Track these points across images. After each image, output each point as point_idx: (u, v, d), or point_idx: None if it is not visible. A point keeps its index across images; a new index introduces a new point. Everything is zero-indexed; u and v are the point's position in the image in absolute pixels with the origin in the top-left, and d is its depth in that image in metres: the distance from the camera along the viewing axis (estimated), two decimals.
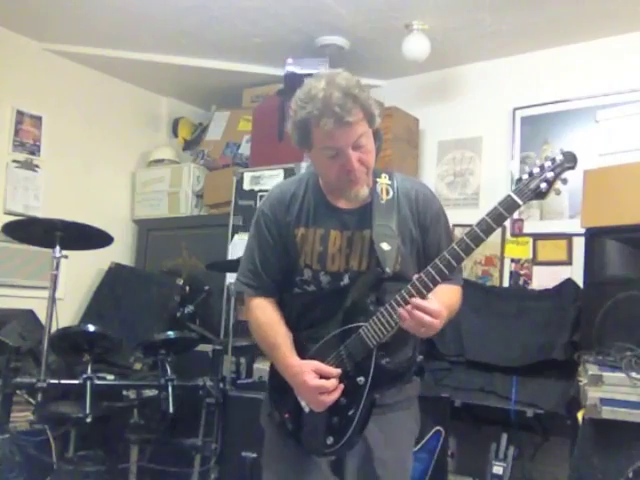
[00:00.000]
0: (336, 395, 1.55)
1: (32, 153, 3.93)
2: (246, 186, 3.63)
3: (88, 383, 2.54)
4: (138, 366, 3.36)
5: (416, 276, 1.48)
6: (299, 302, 1.70)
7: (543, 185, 1.41)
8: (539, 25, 3.40)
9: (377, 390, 1.57)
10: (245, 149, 4.16)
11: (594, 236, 2.70)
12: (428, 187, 1.76)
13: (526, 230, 3.62)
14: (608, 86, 3.41)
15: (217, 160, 4.33)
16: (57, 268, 2.62)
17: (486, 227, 1.42)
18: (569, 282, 3.21)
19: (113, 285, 4.10)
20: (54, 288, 2.63)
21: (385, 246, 1.59)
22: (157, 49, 4.00)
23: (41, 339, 2.63)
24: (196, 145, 4.61)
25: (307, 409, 1.61)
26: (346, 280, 1.63)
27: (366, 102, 1.52)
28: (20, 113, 3.87)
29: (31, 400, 2.61)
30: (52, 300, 2.61)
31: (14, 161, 3.84)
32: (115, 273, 4.15)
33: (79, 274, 3.96)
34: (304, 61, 3.68)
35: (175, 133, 4.74)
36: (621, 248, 2.63)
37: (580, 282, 2.93)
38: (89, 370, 2.60)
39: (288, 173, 3.36)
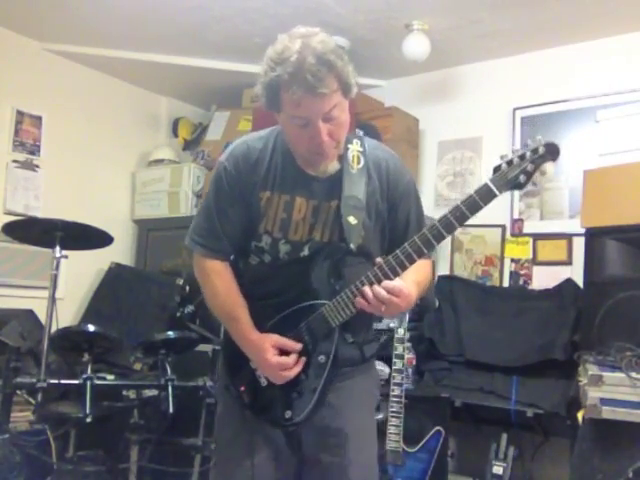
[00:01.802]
0: (297, 370, 1.53)
1: (32, 153, 3.93)
2: None
3: (88, 383, 2.54)
4: (138, 366, 3.36)
5: (382, 259, 1.44)
6: (255, 271, 1.62)
7: (522, 177, 1.34)
8: (539, 25, 3.40)
9: (338, 369, 1.55)
10: None
11: (594, 236, 2.70)
12: (398, 157, 1.68)
13: (526, 230, 3.62)
14: (608, 86, 3.41)
15: (217, 160, 4.32)
16: (57, 268, 2.62)
17: (460, 215, 1.37)
18: (569, 282, 3.21)
19: (113, 285, 4.10)
20: (54, 288, 2.62)
21: (352, 220, 1.53)
22: (157, 49, 4.00)
23: (41, 339, 2.63)
24: (196, 145, 4.61)
25: (264, 382, 1.58)
26: (306, 251, 1.57)
27: (342, 70, 1.40)
28: (20, 113, 3.87)
29: (31, 400, 2.61)
30: (52, 300, 2.61)
31: (14, 161, 3.84)
32: (115, 273, 4.15)
33: (79, 274, 3.96)
34: None
35: (175, 133, 4.74)
36: (621, 248, 2.63)
37: (580, 282, 2.93)
38: (89, 370, 2.60)
39: None
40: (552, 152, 1.35)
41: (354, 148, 1.59)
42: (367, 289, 1.43)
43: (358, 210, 1.54)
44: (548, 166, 1.35)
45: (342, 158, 1.56)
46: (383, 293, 1.41)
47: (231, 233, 1.59)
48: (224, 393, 1.67)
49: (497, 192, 1.35)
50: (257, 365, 1.57)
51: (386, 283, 1.42)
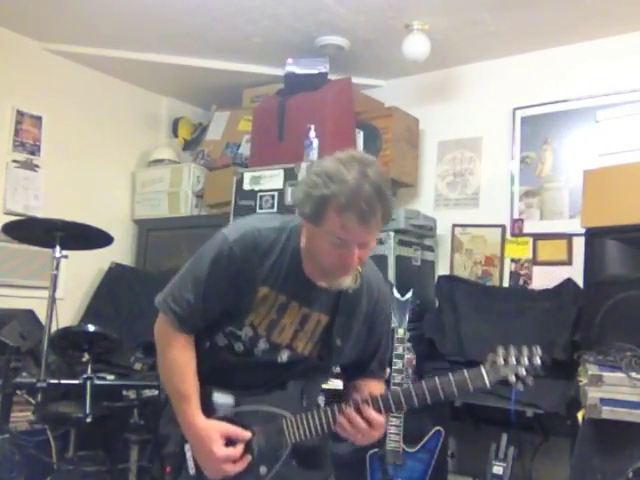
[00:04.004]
0: (240, 468, 1.47)
1: (32, 153, 3.92)
2: (246, 186, 3.62)
3: (88, 383, 2.54)
4: (138, 366, 3.36)
5: (370, 395, 1.45)
6: (220, 356, 1.55)
7: (512, 378, 1.42)
8: (539, 25, 3.40)
9: None
10: (245, 149, 4.16)
11: (594, 236, 2.70)
12: (385, 282, 1.71)
13: (526, 230, 3.62)
14: (608, 86, 3.41)
15: (217, 160, 4.33)
16: (57, 268, 2.62)
17: (447, 389, 1.42)
18: (569, 282, 3.21)
19: (113, 285, 4.10)
20: (54, 288, 2.63)
21: (339, 342, 1.54)
22: (157, 49, 4.00)
23: (41, 339, 2.63)
24: (196, 145, 4.61)
25: (192, 470, 1.51)
26: (284, 358, 1.54)
27: (391, 204, 1.41)
28: (20, 113, 3.87)
29: (31, 400, 2.61)
30: (52, 300, 2.61)
31: (14, 161, 3.83)
32: (115, 273, 4.15)
33: (79, 274, 3.96)
34: (304, 61, 3.69)
35: (175, 133, 4.74)
36: (621, 248, 2.63)
37: (580, 282, 2.93)
38: (89, 370, 2.61)
39: (288, 173, 3.35)
40: (546, 369, 1.45)
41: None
42: (353, 415, 1.43)
43: (345, 332, 1.55)
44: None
45: None
46: (363, 425, 1.43)
47: (211, 315, 1.52)
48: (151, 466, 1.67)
49: (487, 384, 1.42)
50: (196, 454, 1.50)
51: (373, 416, 1.43)
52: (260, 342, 1.52)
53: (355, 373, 1.68)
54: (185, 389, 1.51)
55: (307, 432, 1.48)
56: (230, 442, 1.48)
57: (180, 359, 1.53)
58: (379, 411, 1.44)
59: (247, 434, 1.48)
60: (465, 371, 1.42)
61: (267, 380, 1.53)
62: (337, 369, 1.71)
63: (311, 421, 1.47)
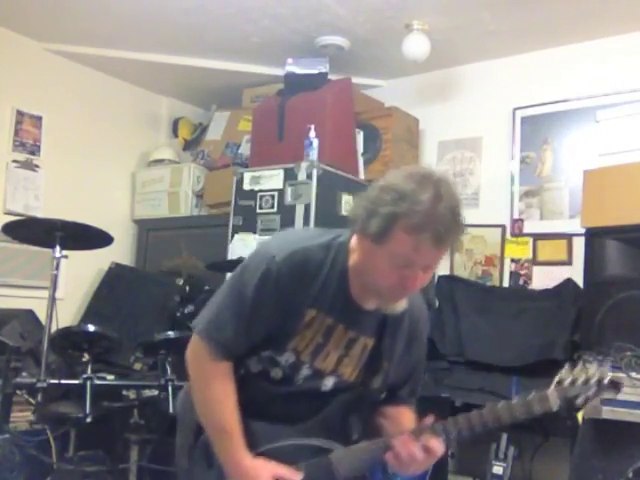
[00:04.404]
0: None
1: (32, 153, 3.93)
2: (246, 186, 3.62)
3: (88, 383, 2.54)
4: (138, 366, 3.36)
5: (435, 423, 1.35)
6: (255, 384, 1.42)
7: (580, 400, 1.30)
8: (539, 25, 3.40)
9: None
10: (245, 149, 4.16)
11: (594, 236, 2.70)
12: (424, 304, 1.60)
13: (526, 230, 3.62)
14: (608, 86, 3.41)
15: (217, 160, 4.33)
16: (57, 268, 2.62)
17: (511, 414, 1.37)
18: (569, 282, 3.21)
19: (113, 285, 4.10)
20: (54, 288, 2.62)
21: (386, 365, 1.45)
22: (157, 49, 4.00)
23: (41, 339, 2.63)
24: (196, 145, 4.61)
25: None
26: (329, 385, 1.42)
27: (464, 227, 1.31)
28: (20, 113, 3.87)
29: (31, 400, 2.61)
30: (52, 300, 2.61)
31: (14, 161, 3.84)
32: (115, 273, 4.15)
33: (79, 274, 3.96)
34: (304, 61, 3.69)
35: (175, 133, 4.74)
36: (621, 248, 2.63)
37: (580, 282, 2.93)
38: (89, 370, 2.60)
39: (288, 173, 3.35)
40: (615, 387, 1.33)
41: None
42: (411, 442, 1.32)
43: (391, 355, 1.46)
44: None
45: None
46: (420, 454, 1.32)
47: (251, 340, 1.39)
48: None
49: (554, 408, 1.31)
50: None
51: (433, 442, 1.33)
52: (303, 369, 1.40)
53: (384, 399, 1.54)
54: (227, 424, 1.37)
55: (358, 466, 1.38)
56: None
57: (221, 392, 1.39)
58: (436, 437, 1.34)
59: (299, 475, 1.36)
60: (532, 395, 1.33)
61: (309, 410, 1.41)
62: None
63: (362, 454, 1.38)
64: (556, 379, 1.33)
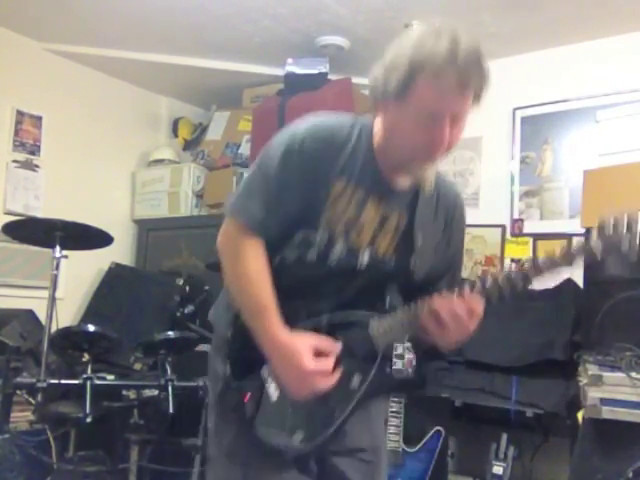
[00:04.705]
0: (333, 381, 1.29)
1: (32, 153, 3.93)
2: None
3: (88, 383, 2.54)
4: (138, 366, 3.36)
5: (469, 280, 1.30)
6: (290, 272, 1.38)
7: (625, 246, 1.19)
8: (539, 25, 3.39)
9: (371, 397, 1.37)
10: (245, 149, 4.16)
11: None
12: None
13: (526, 230, 3.62)
14: (608, 86, 3.41)
15: (217, 160, 4.33)
16: (57, 268, 2.62)
17: (554, 263, 1.26)
18: (569, 282, 3.20)
19: (113, 285, 4.10)
20: (54, 288, 2.62)
21: (420, 241, 1.39)
22: (157, 49, 4.00)
23: (41, 339, 2.63)
24: (196, 145, 4.61)
25: (274, 396, 1.34)
26: (364, 262, 1.37)
27: (488, 71, 1.25)
28: (20, 113, 3.87)
29: (31, 400, 2.61)
30: (52, 300, 2.61)
31: (14, 161, 3.84)
32: (115, 273, 4.15)
33: (79, 274, 3.96)
34: (304, 61, 3.69)
35: (175, 133, 4.74)
36: None
37: (580, 282, 2.93)
38: (89, 370, 2.60)
39: None
40: None
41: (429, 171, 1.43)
42: (454, 299, 1.27)
43: (425, 234, 1.41)
44: None
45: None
46: (463, 312, 1.26)
47: (283, 216, 1.34)
48: (218, 403, 1.45)
49: (598, 254, 1.24)
50: (281, 372, 1.32)
51: (476, 302, 1.27)
52: (337, 246, 1.35)
53: (421, 292, 1.41)
54: (262, 299, 1.33)
55: (397, 332, 1.33)
56: (317, 356, 1.30)
57: (253, 266, 1.35)
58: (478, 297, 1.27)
59: (337, 345, 1.31)
60: (570, 241, 1.27)
61: (345, 287, 1.37)
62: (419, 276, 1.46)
63: (400, 320, 1.32)
64: (597, 224, 1.24)
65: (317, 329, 1.34)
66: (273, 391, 1.34)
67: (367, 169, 1.36)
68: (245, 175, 1.45)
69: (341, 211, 1.34)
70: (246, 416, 1.34)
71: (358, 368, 1.34)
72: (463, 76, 1.21)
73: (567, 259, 1.25)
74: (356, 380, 1.33)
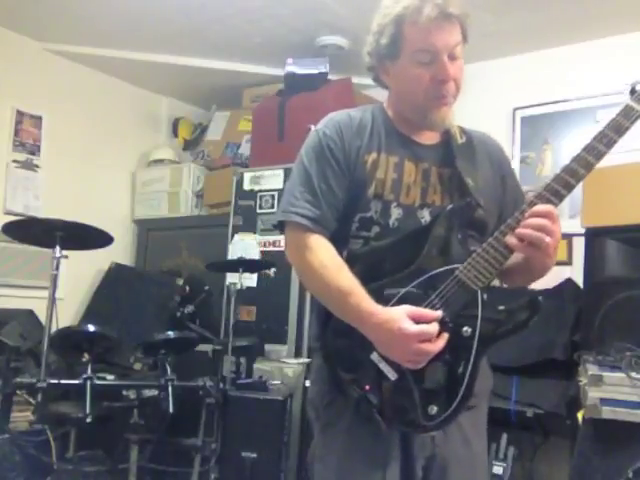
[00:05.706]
0: (442, 343, 1.25)
1: (32, 153, 3.93)
2: (246, 186, 3.63)
3: (88, 383, 2.54)
4: (138, 366, 3.36)
5: (530, 195, 1.30)
6: (363, 258, 1.39)
7: None
8: (539, 25, 3.40)
9: (486, 344, 1.31)
10: (245, 149, 4.16)
11: (594, 236, 2.70)
12: None
13: None
14: (608, 86, 3.41)
15: (217, 160, 4.33)
16: (57, 268, 2.62)
17: (607, 140, 1.33)
18: (569, 282, 3.20)
19: (113, 285, 4.10)
20: (54, 288, 2.62)
21: (470, 181, 1.41)
22: (157, 49, 4.00)
23: (41, 339, 2.63)
24: (196, 145, 4.61)
25: (393, 375, 1.30)
26: (426, 216, 1.41)
27: (464, 4, 1.37)
28: (20, 113, 3.87)
29: (31, 400, 2.61)
30: (52, 300, 2.61)
31: (14, 161, 3.84)
32: (115, 273, 4.15)
33: (79, 274, 3.96)
34: (304, 61, 3.69)
35: (175, 133, 4.74)
36: (621, 248, 2.63)
37: (580, 282, 2.93)
38: (89, 370, 2.60)
39: (288, 173, 3.34)
40: None
41: (453, 124, 1.50)
42: (529, 218, 1.26)
43: (473, 175, 1.44)
44: None
45: (445, 132, 1.50)
46: (546, 222, 1.25)
47: (334, 204, 1.40)
48: (330, 409, 1.41)
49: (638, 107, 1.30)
50: (386, 348, 1.29)
51: (535, 208, 1.26)
52: (392, 209, 1.40)
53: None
54: (344, 285, 1.31)
55: (487, 267, 1.29)
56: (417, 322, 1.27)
57: (324, 256, 1.36)
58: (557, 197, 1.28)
59: (437, 313, 1.27)
60: (614, 114, 1.33)
61: (418, 248, 1.34)
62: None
63: (484, 255, 1.29)
64: (631, 89, 1.35)
65: (409, 299, 1.31)
66: (389, 370, 1.31)
67: (392, 138, 1.45)
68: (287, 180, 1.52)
69: (383, 178, 1.41)
70: (372, 405, 1.31)
71: (464, 320, 1.30)
72: (442, 6, 1.32)
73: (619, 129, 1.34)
74: (467, 331, 1.29)
